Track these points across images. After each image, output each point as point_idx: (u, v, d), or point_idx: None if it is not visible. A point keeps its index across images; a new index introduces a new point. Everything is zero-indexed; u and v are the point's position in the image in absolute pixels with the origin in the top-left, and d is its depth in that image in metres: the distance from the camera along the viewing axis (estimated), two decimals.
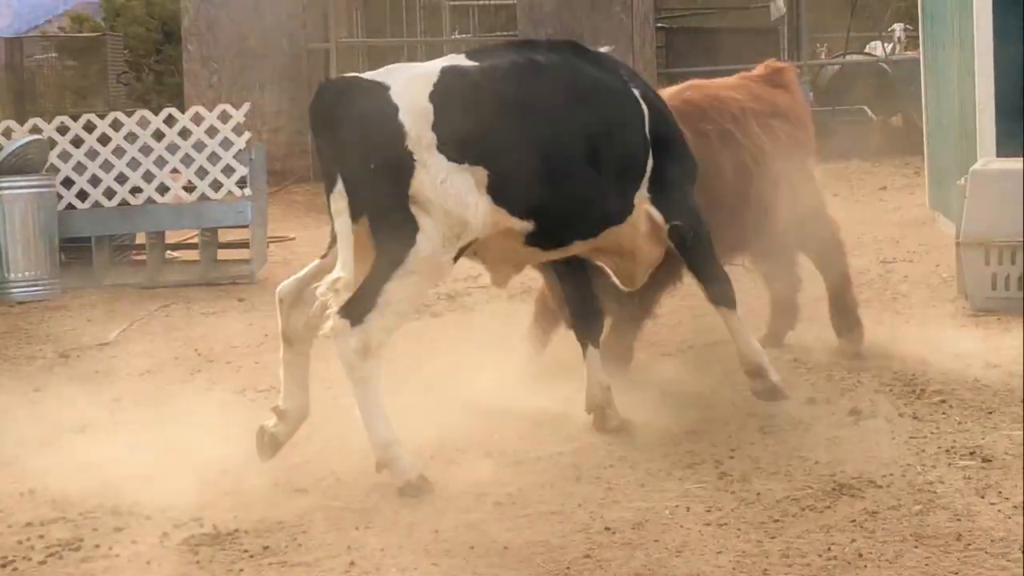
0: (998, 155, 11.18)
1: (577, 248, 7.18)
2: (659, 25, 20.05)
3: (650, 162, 7.16)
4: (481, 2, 24.45)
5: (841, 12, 22.55)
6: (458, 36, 22.96)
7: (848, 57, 20.58)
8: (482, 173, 6.60)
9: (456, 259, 6.70)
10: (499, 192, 6.65)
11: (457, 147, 6.54)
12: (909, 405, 7.50)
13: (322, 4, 20.16)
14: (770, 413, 7.40)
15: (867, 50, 22.42)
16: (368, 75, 6.79)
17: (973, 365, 8.28)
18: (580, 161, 6.88)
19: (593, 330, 7.42)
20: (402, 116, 6.52)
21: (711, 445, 6.94)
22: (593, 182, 6.92)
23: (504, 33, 21.95)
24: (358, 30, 21.19)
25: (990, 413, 7.29)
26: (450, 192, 6.51)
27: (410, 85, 6.61)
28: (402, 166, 6.48)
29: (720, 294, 7.38)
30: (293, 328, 6.78)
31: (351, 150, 6.53)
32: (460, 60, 6.89)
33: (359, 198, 6.49)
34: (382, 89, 6.59)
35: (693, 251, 7.32)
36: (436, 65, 6.81)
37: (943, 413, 7.31)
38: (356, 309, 6.40)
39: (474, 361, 8.34)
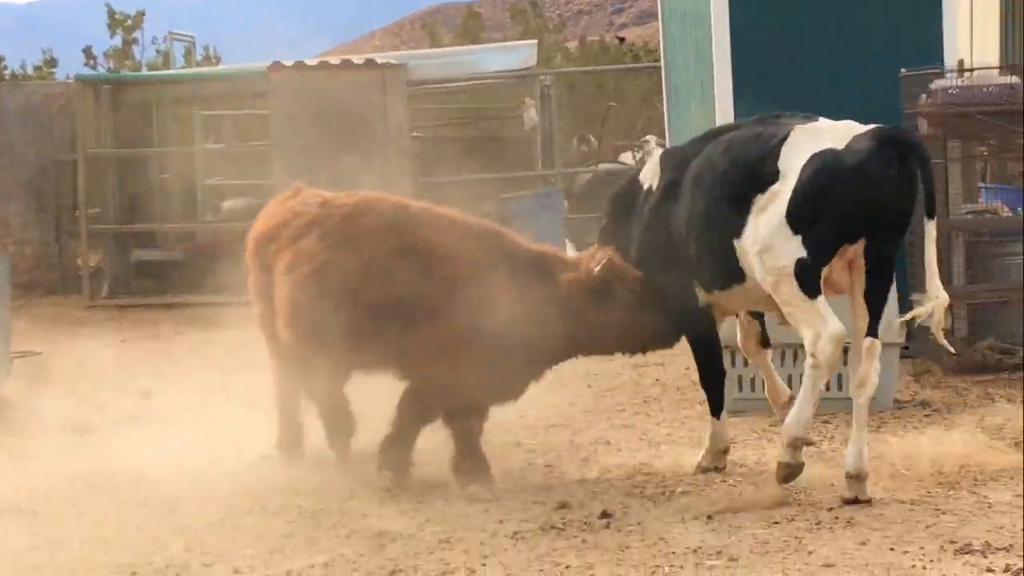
0: None
1: None
2: (415, 135, 20.16)
3: None
4: (235, 112, 24.30)
5: (594, 121, 22.99)
6: (212, 146, 22.76)
7: (600, 165, 20.94)
8: None
9: None
10: None
11: None
12: (659, 507, 7.57)
13: (69, 115, 19.86)
14: (524, 518, 7.41)
15: (619, 159, 22.84)
16: None
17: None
18: None
19: None
20: None
21: (463, 552, 6.90)
22: None
23: (258, 143, 21.84)
24: (106, 140, 20.83)
25: (736, 513, 7.39)
26: None
27: None
28: None
29: None
30: None
31: None
32: None
33: None
34: None
35: None
36: None
37: (693, 514, 7.38)
38: None
39: None
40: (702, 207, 7.90)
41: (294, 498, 8.02)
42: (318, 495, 8.06)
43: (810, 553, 6.65)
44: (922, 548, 6.64)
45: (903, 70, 10.98)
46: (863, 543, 6.76)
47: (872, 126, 7.65)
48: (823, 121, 7.83)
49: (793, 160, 7.61)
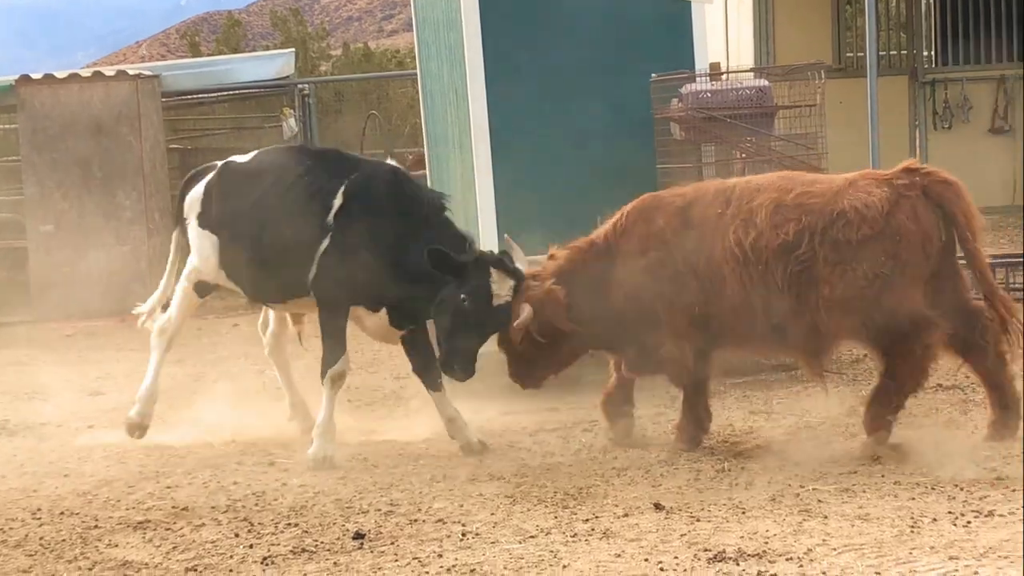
0: None
1: None
2: (172, 146, 19.76)
3: None
4: None
5: (357, 130, 22.78)
6: None
7: None
8: None
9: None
10: None
11: None
12: (413, 525, 7.42)
13: None
14: (274, 542, 7.21)
15: None
16: None
17: (478, 479, 8.33)
18: None
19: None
20: None
21: None
22: None
23: (10, 159, 21.21)
24: None
25: (494, 527, 7.28)
26: None
27: None
28: None
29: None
30: None
31: None
32: None
33: None
34: None
35: None
36: None
37: (447, 533, 7.25)
38: None
39: None
40: None
41: (35, 528, 7.73)
42: (61, 524, 7.78)
43: (564, 567, 6.56)
44: (676, 557, 6.59)
45: (654, 75, 11.00)
46: (618, 555, 6.70)
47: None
48: None
49: None
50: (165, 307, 9.76)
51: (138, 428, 9.53)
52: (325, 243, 8.92)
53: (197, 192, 9.55)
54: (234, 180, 9.43)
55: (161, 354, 9.62)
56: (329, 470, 8.62)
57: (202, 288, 9.58)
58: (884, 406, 8.40)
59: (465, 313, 8.58)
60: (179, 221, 9.74)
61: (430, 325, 9.02)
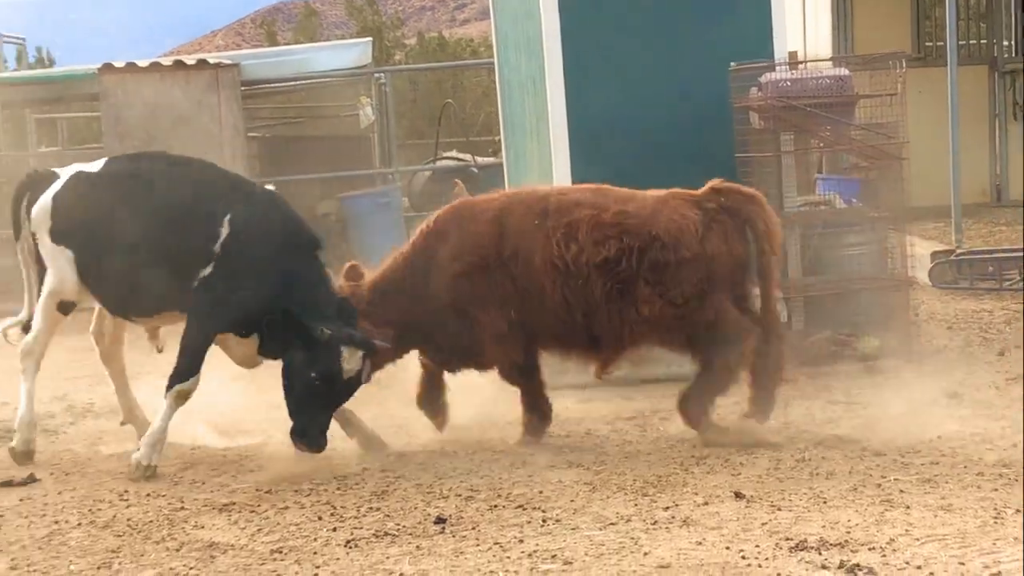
0: None
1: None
2: (250, 135, 19.92)
3: None
4: (68, 114, 23.86)
5: (432, 119, 22.88)
6: (45, 149, 22.31)
7: (439, 163, 20.83)
8: None
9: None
10: None
11: None
12: (494, 511, 7.47)
13: None
14: (357, 526, 7.29)
15: (457, 156, 22.76)
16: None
17: (557, 466, 8.37)
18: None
19: None
20: None
21: (296, 563, 6.76)
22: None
23: (92, 146, 21.45)
24: None
25: (574, 514, 7.32)
26: None
27: None
28: None
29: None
30: None
31: None
32: None
33: None
34: None
35: None
36: None
37: (527, 519, 7.29)
38: None
39: None
40: None
41: (123, 510, 7.86)
42: (148, 506, 7.90)
43: (646, 554, 6.59)
44: (757, 546, 6.61)
45: (733, 64, 11.00)
46: (699, 543, 6.72)
47: None
48: None
49: None
50: (27, 327, 9.27)
51: (24, 456, 9.06)
52: (208, 269, 8.60)
53: (44, 205, 9.05)
54: (88, 191, 9.01)
55: (31, 378, 9.12)
56: (149, 480, 8.42)
57: (65, 307, 9.14)
58: (702, 403, 8.81)
59: (316, 390, 8.46)
60: (18, 234, 9.30)
61: None
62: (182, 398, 8.62)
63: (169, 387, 8.61)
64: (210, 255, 8.61)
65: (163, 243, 8.69)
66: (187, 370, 8.61)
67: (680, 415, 8.88)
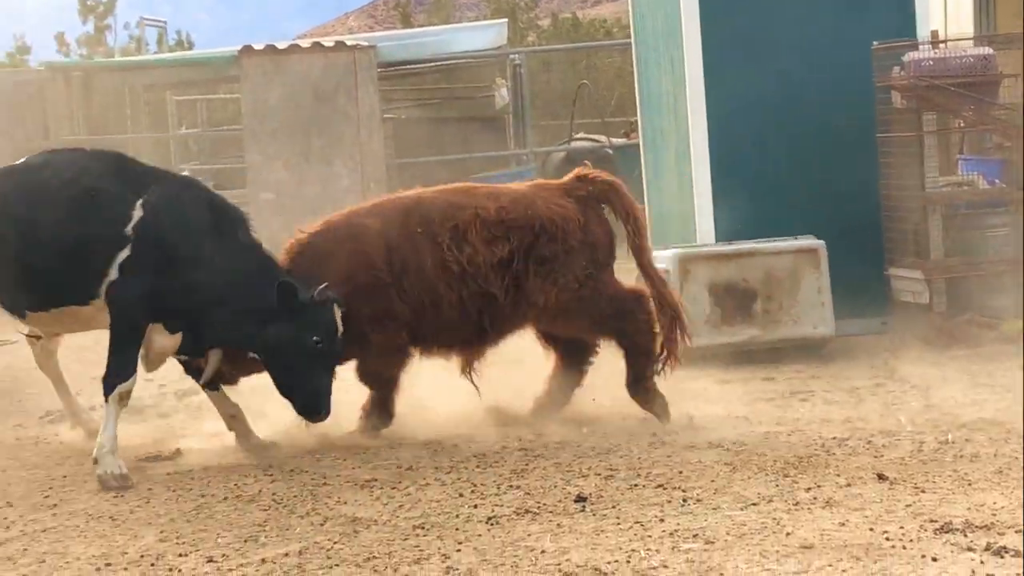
0: (717, 238, 11.40)
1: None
2: (386, 116, 20.05)
3: None
4: (208, 96, 24.15)
5: (566, 100, 22.85)
6: (186, 131, 22.63)
7: (573, 143, 20.83)
8: None
9: None
10: None
11: None
12: (634, 490, 7.48)
13: (41, 102, 19.70)
14: (498, 503, 7.33)
15: (593, 137, 22.73)
16: None
17: (696, 447, 8.36)
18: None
19: None
20: None
21: (438, 538, 6.81)
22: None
23: (232, 127, 21.72)
24: (79, 127, 20.68)
25: (714, 493, 7.32)
26: None
27: None
28: None
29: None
30: None
31: None
32: None
33: None
34: None
35: None
36: None
37: (667, 498, 7.30)
38: None
39: None
40: None
41: (268, 485, 7.97)
42: (292, 481, 8.01)
43: (788, 534, 6.56)
44: (902, 527, 6.56)
45: (875, 43, 10.88)
46: (842, 524, 6.68)
47: None
48: None
49: None
50: None
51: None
52: (125, 253, 8.26)
53: None
54: None
55: None
56: (124, 489, 8.03)
57: None
58: (643, 379, 9.05)
59: (320, 355, 8.40)
60: None
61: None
62: (124, 400, 8.28)
63: (108, 390, 8.22)
64: (122, 239, 8.29)
65: (59, 230, 8.31)
66: (124, 369, 8.24)
67: (635, 402, 9.07)
